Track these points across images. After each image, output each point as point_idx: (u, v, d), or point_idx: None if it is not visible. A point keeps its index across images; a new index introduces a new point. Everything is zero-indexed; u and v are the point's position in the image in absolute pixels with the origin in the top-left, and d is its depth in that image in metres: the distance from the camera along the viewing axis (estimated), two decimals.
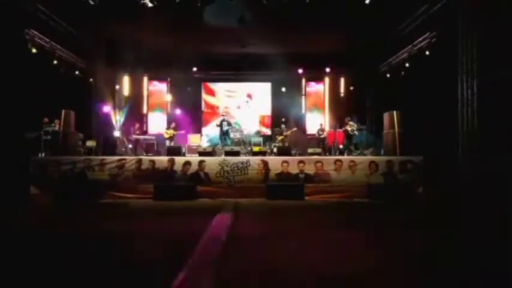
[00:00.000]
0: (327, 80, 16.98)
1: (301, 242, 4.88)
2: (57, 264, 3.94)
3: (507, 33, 7.72)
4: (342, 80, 16.56)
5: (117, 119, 15.44)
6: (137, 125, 13.76)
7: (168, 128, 14.39)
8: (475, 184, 8.16)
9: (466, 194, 8.18)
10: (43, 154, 10.59)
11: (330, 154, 12.84)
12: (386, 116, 12.23)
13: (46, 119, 11.02)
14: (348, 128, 13.45)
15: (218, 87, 17.33)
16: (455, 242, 4.91)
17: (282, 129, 14.47)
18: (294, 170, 9.74)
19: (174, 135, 14.12)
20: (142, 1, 9.75)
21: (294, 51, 14.40)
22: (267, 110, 17.16)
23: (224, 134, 13.79)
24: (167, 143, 13.65)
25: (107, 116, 14.73)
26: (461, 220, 6.58)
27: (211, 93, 17.30)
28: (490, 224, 5.97)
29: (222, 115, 14.53)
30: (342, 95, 16.53)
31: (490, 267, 3.82)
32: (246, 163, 9.74)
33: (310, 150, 11.31)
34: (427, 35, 11.19)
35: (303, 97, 17.22)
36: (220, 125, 13.90)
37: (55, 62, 12.02)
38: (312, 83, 17.27)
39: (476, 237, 5.18)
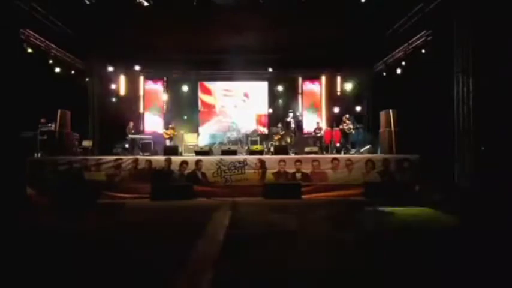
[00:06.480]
0: (323, 78, 16.99)
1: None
2: (57, 265, 3.93)
3: (502, 31, 7.75)
4: (338, 79, 16.56)
5: None
6: (131, 124, 13.71)
7: (167, 128, 14.41)
8: (471, 182, 8.19)
9: (462, 191, 8.21)
10: (39, 154, 10.54)
11: (327, 153, 12.86)
12: (382, 114, 12.26)
13: (43, 120, 10.97)
14: (345, 127, 13.48)
15: (215, 86, 17.29)
16: (453, 241, 4.93)
17: (278, 129, 14.48)
18: (290, 169, 9.76)
19: (174, 135, 14.14)
20: (137, 0, 9.70)
21: (290, 49, 14.39)
22: (264, 109, 17.15)
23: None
24: (167, 142, 13.65)
25: None
26: (459, 218, 6.61)
27: (208, 92, 17.25)
28: (486, 222, 6.00)
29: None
30: (338, 93, 16.53)
31: (491, 266, 3.84)
32: (243, 162, 9.75)
33: (307, 149, 11.35)
34: (422, 33, 11.20)
35: (300, 96, 17.22)
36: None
37: (51, 61, 11.95)
38: (309, 82, 17.26)
39: (474, 234, 5.21)
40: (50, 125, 10.99)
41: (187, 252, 4.05)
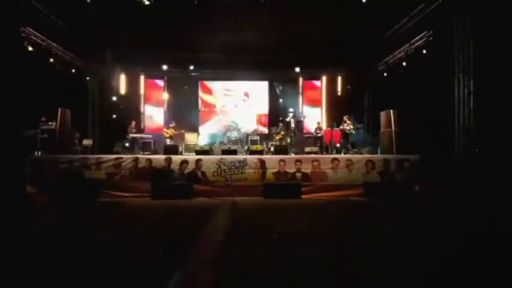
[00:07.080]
0: (324, 78, 16.97)
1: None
2: (56, 264, 3.93)
3: (503, 31, 7.74)
4: (339, 79, 16.54)
5: None
6: (133, 123, 13.70)
7: (167, 128, 14.41)
8: (471, 182, 8.18)
9: (463, 191, 8.21)
10: (39, 153, 10.54)
11: (327, 153, 12.85)
12: (383, 114, 12.26)
13: (44, 118, 10.96)
14: (345, 127, 13.45)
15: (215, 85, 17.28)
16: (454, 241, 4.93)
17: (278, 129, 14.46)
18: (290, 169, 9.75)
19: (174, 134, 14.14)
20: None
21: (291, 49, 14.38)
22: (264, 108, 17.13)
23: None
24: (167, 142, 13.64)
25: None
26: (459, 218, 6.61)
27: (208, 91, 17.24)
28: (486, 221, 6.00)
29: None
30: (339, 93, 16.51)
31: (490, 266, 3.84)
32: (243, 162, 9.74)
33: (307, 149, 11.34)
34: (424, 33, 11.20)
35: (300, 96, 17.21)
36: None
37: (51, 60, 11.94)
38: (309, 82, 17.24)
39: (475, 235, 5.20)
40: (50, 123, 10.99)
41: (187, 252, 4.05)
